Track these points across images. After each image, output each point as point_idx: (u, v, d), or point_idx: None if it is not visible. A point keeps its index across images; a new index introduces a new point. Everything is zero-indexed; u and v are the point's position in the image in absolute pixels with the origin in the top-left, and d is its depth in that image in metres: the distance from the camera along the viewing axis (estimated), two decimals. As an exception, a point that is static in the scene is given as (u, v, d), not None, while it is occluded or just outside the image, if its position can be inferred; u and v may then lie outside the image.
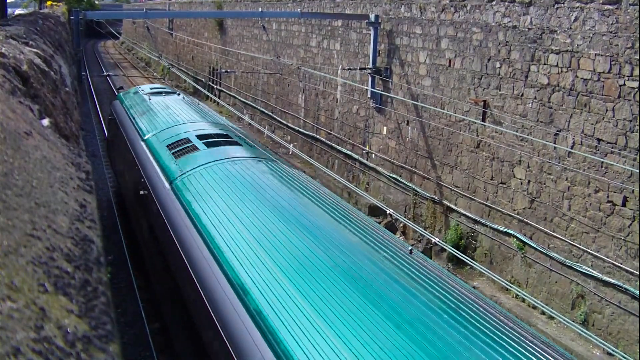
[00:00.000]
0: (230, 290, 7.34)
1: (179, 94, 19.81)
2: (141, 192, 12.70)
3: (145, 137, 14.47)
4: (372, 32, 20.41)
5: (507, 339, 6.10)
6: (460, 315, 6.42)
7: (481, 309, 6.74)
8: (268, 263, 7.57)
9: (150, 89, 20.48)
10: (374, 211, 19.02)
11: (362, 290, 6.77)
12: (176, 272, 9.44)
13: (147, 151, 13.63)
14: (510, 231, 15.33)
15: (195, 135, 13.30)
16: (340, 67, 23.04)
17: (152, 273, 12.95)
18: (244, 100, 33.63)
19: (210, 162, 11.43)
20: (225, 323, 7.01)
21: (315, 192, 10.42)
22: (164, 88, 21.27)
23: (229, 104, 31.98)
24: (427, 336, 5.95)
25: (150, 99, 18.02)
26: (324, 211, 9.45)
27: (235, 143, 13.15)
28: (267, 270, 7.40)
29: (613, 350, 9.47)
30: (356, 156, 22.33)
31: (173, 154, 12.56)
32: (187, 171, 11.32)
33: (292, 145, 16.23)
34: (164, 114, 15.97)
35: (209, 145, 12.59)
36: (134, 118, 16.60)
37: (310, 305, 6.55)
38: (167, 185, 11.28)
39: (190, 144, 12.74)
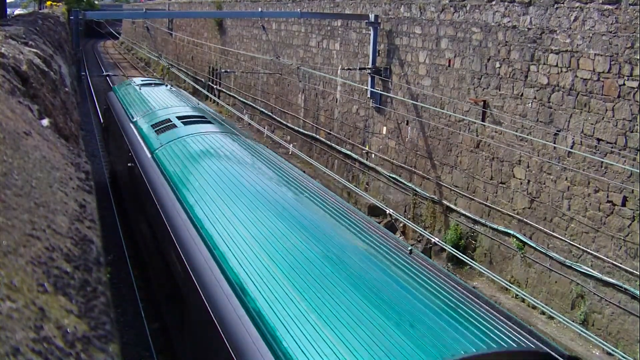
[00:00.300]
0: (196, 235, 9.08)
1: (166, 85, 22.10)
2: (129, 164, 14.87)
3: (134, 120, 16.51)
4: (371, 32, 20.42)
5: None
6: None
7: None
8: (227, 203, 9.71)
9: (141, 81, 22.91)
10: (374, 211, 19.02)
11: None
12: (154, 224, 11.64)
13: (135, 130, 15.68)
14: (510, 231, 15.33)
15: (176, 117, 15.50)
16: (339, 67, 23.04)
17: (135, 229, 15.53)
18: (244, 100, 33.62)
19: (184, 136, 13.75)
20: (193, 264, 8.47)
21: (264, 157, 12.89)
22: (154, 80, 24.14)
23: (228, 104, 31.97)
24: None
25: (140, 89, 20.19)
26: (267, 166, 11.94)
27: (208, 122, 15.55)
28: (224, 209, 9.49)
29: (613, 350, 9.47)
30: (356, 156, 22.33)
31: (155, 131, 14.70)
32: (166, 143, 13.55)
33: (291, 145, 16.23)
34: (151, 101, 18.14)
35: (185, 123, 14.89)
36: (125, 105, 18.64)
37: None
38: (149, 155, 13.48)
39: (171, 123, 15.00)
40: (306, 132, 26.20)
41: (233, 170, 11.30)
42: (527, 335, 6.45)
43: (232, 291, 7.36)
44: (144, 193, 12.44)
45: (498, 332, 6.25)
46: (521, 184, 14.98)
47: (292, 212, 9.38)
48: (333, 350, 5.75)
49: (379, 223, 17.28)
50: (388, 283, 7.00)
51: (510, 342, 6.18)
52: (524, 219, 14.88)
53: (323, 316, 6.32)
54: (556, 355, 5.98)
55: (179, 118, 15.34)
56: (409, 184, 19.21)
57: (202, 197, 10.11)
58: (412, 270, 7.47)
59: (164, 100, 18.11)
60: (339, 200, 10.98)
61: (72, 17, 20.67)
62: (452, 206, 17.38)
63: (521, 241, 14.96)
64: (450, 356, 5.69)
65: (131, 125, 16.21)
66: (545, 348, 6.21)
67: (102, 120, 22.43)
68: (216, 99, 30.77)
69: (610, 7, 12.44)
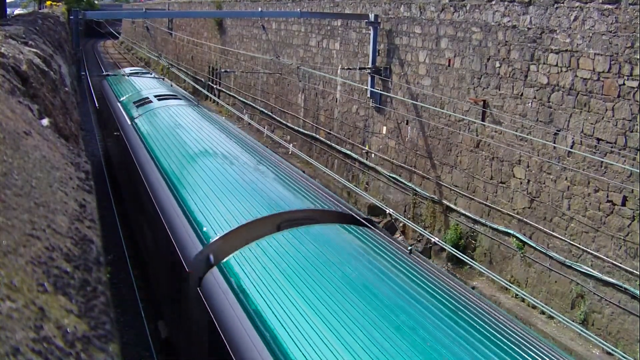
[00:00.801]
0: (157, 171, 12.43)
1: (150, 73, 26.45)
2: (115, 133, 19.02)
3: (121, 100, 20.47)
4: (371, 32, 20.41)
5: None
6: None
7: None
8: (182, 152, 13.08)
9: (130, 70, 27.54)
10: (374, 211, 19.02)
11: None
12: (131, 171, 15.07)
13: (120, 107, 19.53)
14: (509, 231, 15.33)
15: (153, 95, 19.57)
16: (339, 67, 23.04)
17: (118, 177, 19.95)
18: (244, 100, 33.62)
19: (157, 108, 17.88)
20: (153, 187, 11.71)
21: (213, 120, 17.04)
22: (140, 70, 29.06)
23: (228, 104, 31.97)
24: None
25: (128, 76, 24.27)
26: (213, 126, 15.90)
27: (177, 98, 19.68)
28: (179, 154, 13.08)
29: (612, 350, 9.48)
30: (356, 156, 22.33)
31: (136, 106, 18.62)
32: (143, 114, 17.49)
33: (291, 145, 16.24)
34: (135, 85, 22.21)
35: (159, 100, 18.99)
36: (114, 89, 22.69)
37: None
38: (129, 122, 17.13)
39: (148, 99, 19.10)
40: (306, 132, 26.20)
41: (188, 129, 15.21)
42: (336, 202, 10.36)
43: (160, 176, 12.05)
44: (125, 150, 16.41)
45: (315, 198, 10.12)
46: (521, 183, 14.98)
47: (201, 133, 14.56)
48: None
49: (379, 223, 17.29)
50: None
51: (322, 204, 9.93)
52: (524, 219, 14.88)
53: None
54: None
55: (155, 96, 19.39)
56: (409, 184, 19.22)
57: (165, 149, 13.70)
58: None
59: (146, 84, 22.28)
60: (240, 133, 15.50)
61: (72, 17, 20.66)
62: (452, 206, 17.38)
63: (521, 241, 14.96)
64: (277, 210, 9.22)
65: (118, 103, 20.25)
66: (348, 210, 9.97)
67: (96, 105, 25.89)
68: (216, 99, 30.77)
69: (610, 6, 12.44)
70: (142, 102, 18.93)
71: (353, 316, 6.39)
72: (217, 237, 8.84)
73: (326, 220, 9.30)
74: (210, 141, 13.96)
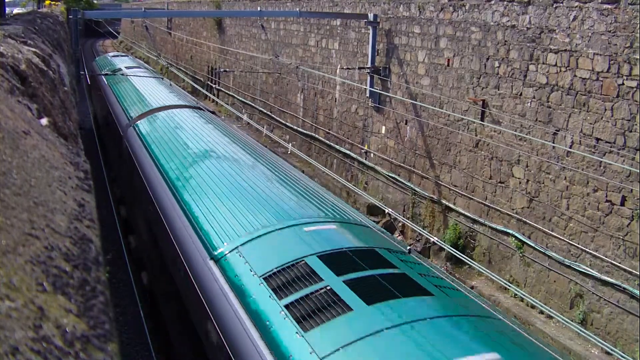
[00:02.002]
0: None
1: (128, 57, 37.49)
2: (98, 93, 26.98)
3: (102, 72, 29.24)
4: (370, 32, 20.41)
5: None
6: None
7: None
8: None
9: (113, 54, 39.45)
10: (373, 210, 19.02)
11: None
12: (106, 111, 22.81)
13: (102, 76, 28.24)
14: (508, 230, 15.34)
15: (124, 66, 29.13)
16: (339, 67, 23.04)
17: (99, 121, 27.53)
18: (243, 99, 33.61)
19: (125, 73, 25.86)
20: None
21: (164, 83, 24.03)
22: (121, 54, 40.50)
23: (227, 103, 31.96)
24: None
25: (110, 57, 35.72)
26: (160, 84, 23.21)
27: (143, 69, 29.51)
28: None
29: (611, 350, 9.48)
30: (355, 155, 22.33)
31: (112, 72, 27.26)
32: (114, 76, 25.64)
33: (290, 144, 16.24)
34: (114, 62, 32.04)
35: (128, 69, 28.21)
36: (99, 65, 33.18)
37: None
38: (106, 82, 25.12)
39: (121, 71, 27.50)
40: (305, 132, 26.19)
41: (142, 85, 22.43)
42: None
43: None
44: (101, 98, 25.21)
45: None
46: (520, 183, 14.98)
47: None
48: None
49: (378, 222, 17.29)
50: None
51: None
52: (523, 219, 14.89)
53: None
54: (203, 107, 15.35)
55: (125, 67, 28.94)
56: (408, 184, 19.22)
57: (127, 97, 20.17)
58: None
59: (122, 61, 32.26)
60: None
61: (71, 17, 20.64)
62: (451, 205, 17.38)
63: (520, 240, 14.97)
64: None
65: (102, 76, 28.72)
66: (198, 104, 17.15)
67: (88, 81, 30.18)
68: (215, 98, 30.76)
69: (609, 6, 12.44)
70: (116, 70, 28.10)
71: None
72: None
73: None
74: (160, 96, 20.02)
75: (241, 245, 8.30)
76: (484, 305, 7.09)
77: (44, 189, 1.86)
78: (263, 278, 7.37)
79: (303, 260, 7.52)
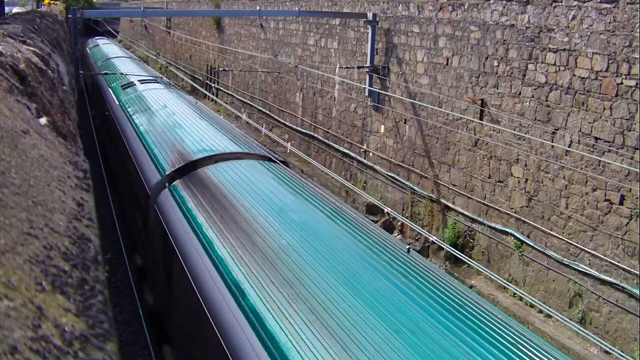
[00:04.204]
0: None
1: (110, 43, 44.66)
2: (80, 72, 23.40)
3: (89, 46, 39.91)
4: (369, 31, 20.41)
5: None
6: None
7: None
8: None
9: (96, 38, 47.25)
10: (372, 210, 19.02)
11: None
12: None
13: (90, 54, 36.36)
14: (507, 230, 15.34)
15: (102, 44, 40.89)
16: (338, 66, 23.03)
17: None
18: (242, 98, 33.60)
19: (101, 44, 41.18)
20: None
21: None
22: (106, 41, 46.47)
23: (226, 103, 31.94)
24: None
25: (96, 42, 43.37)
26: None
27: (128, 58, 33.62)
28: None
29: (610, 349, 9.49)
30: (354, 155, 22.33)
31: (96, 55, 34.67)
32: (101, 60, 32.30)
33: (289, 143, 16.23)
34: (101, 49, 38.22)
35: (103, 44, 41.00)
36: (89, 49, 39.80)
37: None
38: (95, 64, 31.69)
39: (107, 57, 32.24)
40: (304, 131, 26.18)
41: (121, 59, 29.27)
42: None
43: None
44: (88, 66, 30.79)
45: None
46: (519, 182, 14.99)
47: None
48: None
49: (377, 222, 17.29)
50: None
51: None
52: (522, 218, 14.89)
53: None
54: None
55: (102, 43, 38.68)
56: (407, 183, 19.22)
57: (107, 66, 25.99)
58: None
59: (107, 48, 38.54)
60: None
61: (70, 16, 20.62)
62: (450, 205, 17.39)
63: (519, 240, 14.97)
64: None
65: (89, 52, 37.10)
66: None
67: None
68: (214, 98, 30.75)
69: (608, 5, 12.45)
70: (102, 57, 33.68)
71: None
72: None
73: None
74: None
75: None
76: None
77: (42, 188, 1.86)
78: None
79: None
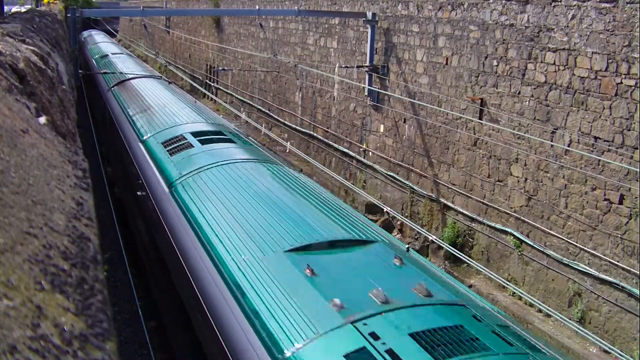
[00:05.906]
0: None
1: (100, 34, 46.84)
2: (80, 72, 24.54)
3: (85, 42, 39.23)
4: (369, 30, 20.40)
5: None
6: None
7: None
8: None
9: (90, 31, 48.98)
10: (371, 209, 19.03)
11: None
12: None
13: (87, 50, 35.60)
14: (507, 229, 15.35)
15: (99, 40, 40.32)
16: (337, 65, 23.02)
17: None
18: (241, 98, 33.60)
19: (98, 43, 39.42)
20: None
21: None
22: (99, 32, 48.99)
23: (226, 102, 31.94)
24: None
25: (89, 34, 45.58)
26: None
27: (127, 55, 33.37)
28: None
29: (610, 348, 9.49)
30: (353, 154, 22.33)
31: (96, 53, 33.21)
32: (94, 51, 34.99)
33: (289, 143, 16.22)
34: (95, 40, 40.73)
35: (100, 42, 39.45)
36: (85, 39, 41.98)
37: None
38: (92, 59, 31.32)
39: (98, 46, 34.63)
40: (303, 130, 26.18)
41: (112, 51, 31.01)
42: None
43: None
44: (86, 61, 30.36)
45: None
46: (518, 182, 14.99)
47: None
48: None
49: (376, 221, 17.29)
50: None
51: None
52: (521, 217, 14.90)
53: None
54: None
55: (100, 41, 38.44)
56: (407, 182, 19.22)
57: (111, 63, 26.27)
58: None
59: (98, 39, 41.42)
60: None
61: (69, 15, 20.61)
62: (450, 204, 17.39)
63: (518, 239, 14.98)
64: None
65: (87, 46, 37.21)
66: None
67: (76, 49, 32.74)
68: (213, 97, 30.74)
69: (607, 5, 12.45)
70: (96, 50, 34.97)
71: None
72: None
73: None
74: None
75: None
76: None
77: (42, 187, 1.86)
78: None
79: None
